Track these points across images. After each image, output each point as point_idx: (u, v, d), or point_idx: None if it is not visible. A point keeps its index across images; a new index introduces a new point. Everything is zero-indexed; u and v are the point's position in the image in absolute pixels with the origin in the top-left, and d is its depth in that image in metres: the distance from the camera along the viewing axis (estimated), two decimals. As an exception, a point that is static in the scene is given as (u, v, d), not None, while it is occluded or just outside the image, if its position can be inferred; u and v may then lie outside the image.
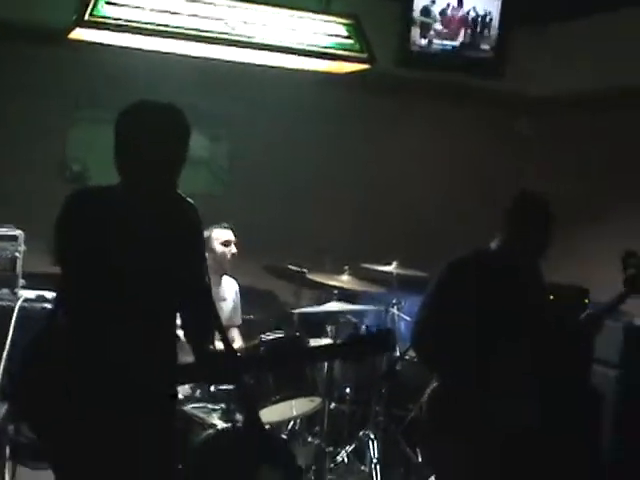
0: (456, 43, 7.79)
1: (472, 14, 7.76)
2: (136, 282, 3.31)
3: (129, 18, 5.72)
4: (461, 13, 7.73)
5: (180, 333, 3.60)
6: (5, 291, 5.98)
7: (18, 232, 6.13)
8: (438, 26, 7.73)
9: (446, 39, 7.75)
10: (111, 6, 5.66)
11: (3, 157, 7.26)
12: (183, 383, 4.79)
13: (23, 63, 7.23)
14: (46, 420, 3.36)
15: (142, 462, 3.37)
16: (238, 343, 6.12)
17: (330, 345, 5.05)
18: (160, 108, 3.38)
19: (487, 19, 7.78)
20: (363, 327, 6.84)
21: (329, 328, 6.48)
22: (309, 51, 6.15)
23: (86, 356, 3.27)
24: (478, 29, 7.81)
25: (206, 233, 5.77)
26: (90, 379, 3.25)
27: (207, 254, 3.88)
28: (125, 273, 3.30)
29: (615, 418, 5.78)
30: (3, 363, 5.58)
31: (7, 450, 5.28)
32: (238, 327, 6.37)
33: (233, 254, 6.11)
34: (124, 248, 3.31)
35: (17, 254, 6.08)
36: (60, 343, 3.34)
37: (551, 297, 4.81)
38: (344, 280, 6.44)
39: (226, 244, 6.10)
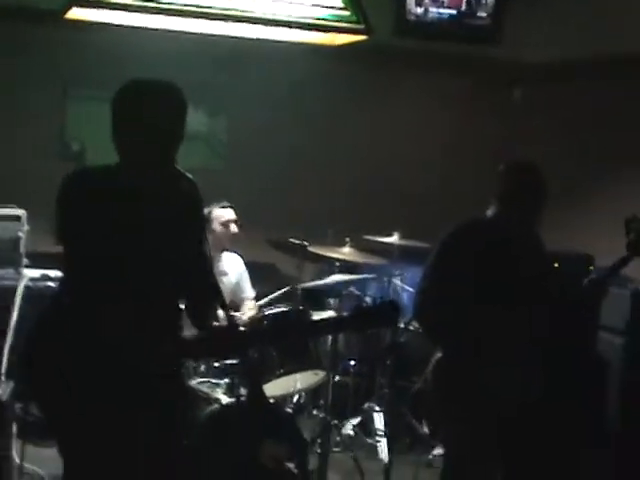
0: (453, 11, 7.73)
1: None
2: (136, 259, 3.32)
3: (124, -4, 5.71)
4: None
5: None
6: (9, 270, 5.99)
7: (21, 212, 6.13)
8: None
9: (442, 7, 7.70)
10: (106, -15, 5.65)
11: (3, 138, 7.25)
12: (187, 358, 4.80)
13: (21, 44, 7.22)
14: (53, 399, 3.37)
15: (150, 439, 3.38)
16: (251, 314, 6.11)
17: (335, 318, 5.05)
18: (156, 85, 3.38)
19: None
20: (368, 299, 6.84)
21: (332, 301, 6.48)
22: (305, 23, 6.13)
23: (89, 334, 3.27)
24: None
25: (206, 210, 5.75)
26: (93, 357, 3.26)
27: (207, 232, 3.86)
28: (125, 250, 3.30)
29: (621, 386, 5.77)
30: (9, 342, 5.61)
31: (14, 428, 5.31)
32: (253, 299, 6.38)
33: (234, 233, 6.08)
34: (124, 225, 3.31)
35: (20, 234, 6.09)
36: (64, 322, 3.35)
37: (555, 265, 4.80)
38: (346, 252, 6.45)
39: (226, 224, 6.05)
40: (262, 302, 6.14)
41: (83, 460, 3.37)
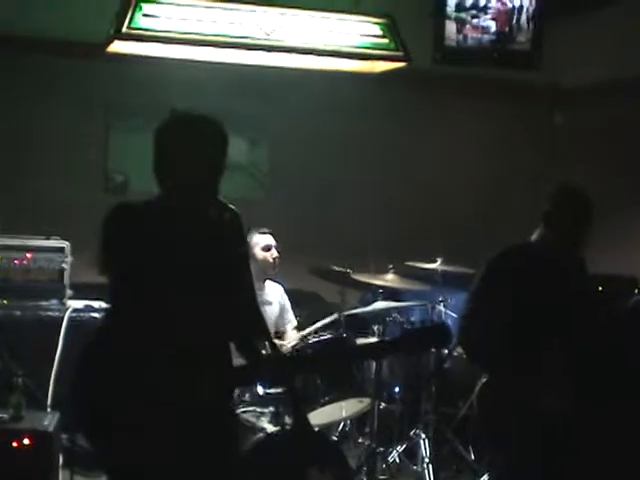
0: (493, 37, 7.72)
1: (509, 5, 7.68)
2: (181, 291, 3.33)
3: (166, 29, 5.76)
4: (501, 5, 7.65)
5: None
6: (54, 302, 6.07)
7: (65, 243, 6.21)
8: (474, 20, 7.67)
9: (482, 33, 7.69)
10: (148, 18, 5.71)
11: (47, 169, 7.34)
12: (235, 388, 4.79)
13: (63, 76, 7.32)
14: (101, 430, 3.38)
15: (200, 469, 3.39)
16: (294, 342, 6.11)
17: (385, 340, 4.98)
18: (198, 119, 3.41)
19: (523, 10, 7.71)
20: (418, 322, 6.82)
21: (376, 327, 6.47)
22: (344, 52, 6.16)
23: (136, 365, 3.29)
24: (514, 21, 7.73)
25: (246, 239, 5.80)
26: (140, 388, 3.28)
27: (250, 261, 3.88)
28: (170, 282, 3.32)
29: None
30: (54, 372, 5.66)
31: (60, 458, 5.34)
32: (295, 328, 6.38)
33: (275, 258, 6.10)
34: (168, 257, 3.33)
35: (64, 265, 6.16)
36: (111, 353, 3.37)
37: (600, 288, 4.77)
38: (389, 279, 6.43)
39: (267, 249, 6.08)
40: (307, 331, 6.13)
41: None
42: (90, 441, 3.49)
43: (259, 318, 3.60)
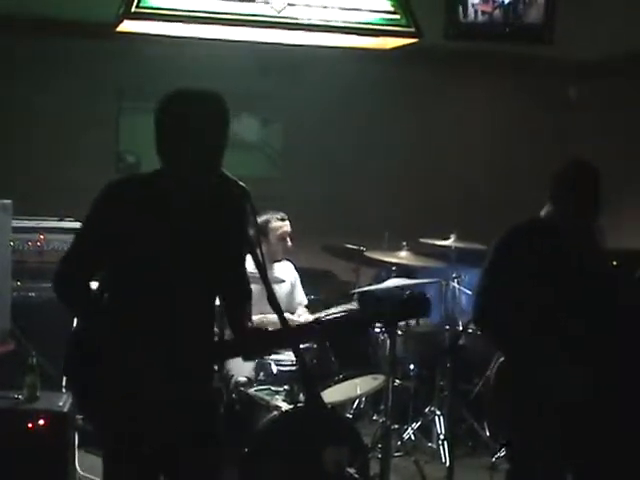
0: (504, 11, 7.65)
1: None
2: (178, 264, 3.34)
3: (175, 7, 5.74)
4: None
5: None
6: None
7: (79, 224, 6.19)
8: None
9: (493, 8, 7.63)
10: (156, -4, 5.70)
11: (59, 150, 7.36)
12: (221, 359, 4.74)
13: (74, 57, 7.32)
14: (94, 405, 3.41)
15: (184, 440, 3.40)
16: (304, 319, 6.09)
17: (365, 314, 4.77)
18: (197, 94, 3.39)
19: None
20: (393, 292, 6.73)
21: (390, 305, 6.44)
22: (356, 28, 6.13)
23: (128, 338, 3.30)
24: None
25: (263, 219, 5.79)
26: (130, 360, 3.29)
27: (263, 243, 3.84)
28: (168, 256, 3.33)
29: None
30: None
31: (76, 438, 5.36)
32: (306, 306, 6.36)
33: (287, 247, 6.08)
34: (167, 232, 3.34)
35: (79, 246, 6.15)
36: (102, 328, 3.38)
37: (614, 263, 4.74)
38: (403, 256, 6.42)
39: (282, 237, 6.04)
40: (323, 314, 6.10)
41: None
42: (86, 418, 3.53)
43: (248, 293, 3.61)
